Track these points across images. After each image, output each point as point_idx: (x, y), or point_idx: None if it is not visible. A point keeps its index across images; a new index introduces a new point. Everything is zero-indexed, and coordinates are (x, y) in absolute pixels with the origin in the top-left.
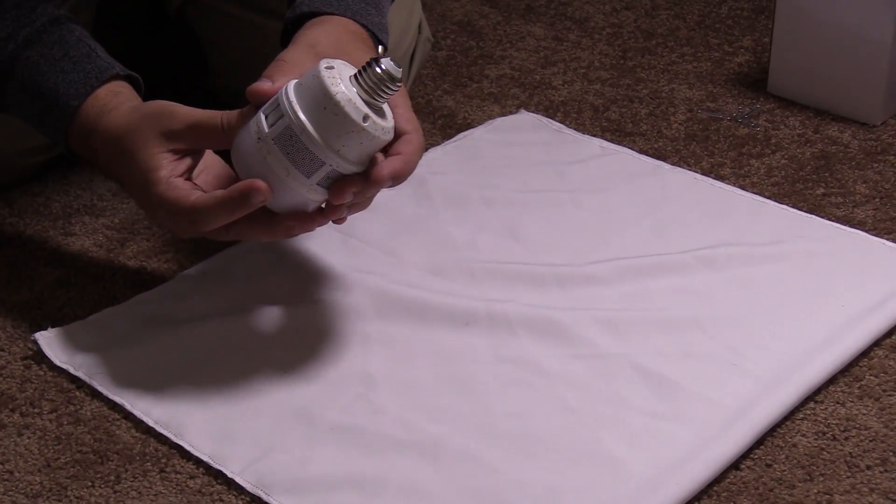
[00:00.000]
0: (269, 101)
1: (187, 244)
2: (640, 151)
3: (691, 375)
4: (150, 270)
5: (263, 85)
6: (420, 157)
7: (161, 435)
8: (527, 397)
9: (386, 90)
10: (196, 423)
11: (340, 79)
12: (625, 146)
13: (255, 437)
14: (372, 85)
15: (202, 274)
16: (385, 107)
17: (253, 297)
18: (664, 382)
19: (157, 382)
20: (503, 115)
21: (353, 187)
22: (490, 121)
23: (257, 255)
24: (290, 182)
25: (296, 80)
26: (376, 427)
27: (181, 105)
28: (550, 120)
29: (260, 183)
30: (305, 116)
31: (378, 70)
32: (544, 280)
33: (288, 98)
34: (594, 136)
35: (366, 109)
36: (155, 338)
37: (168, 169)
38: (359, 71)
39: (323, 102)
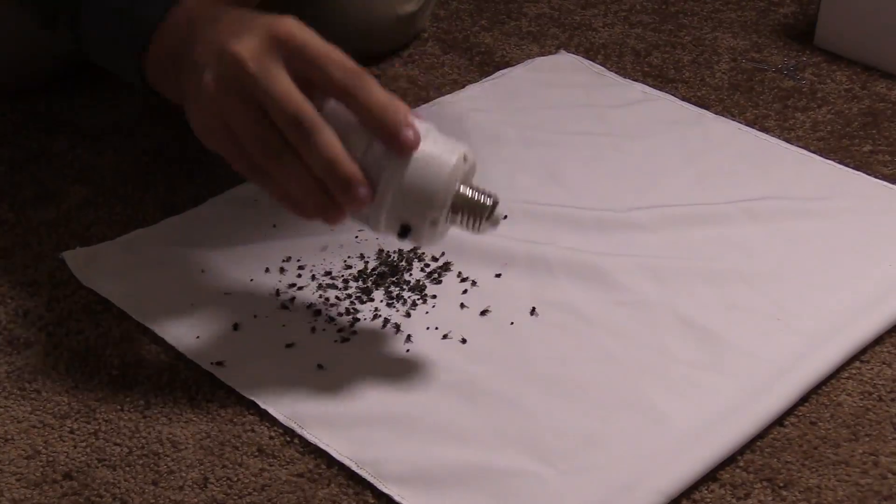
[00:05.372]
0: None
1: (219, 168)
2: (683, 99)
3: (735, 329)
4: (180, 194)
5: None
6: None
7: (191, 362)
8: (567, 342)
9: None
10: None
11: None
12: (667, 92)
13: None
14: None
15: (233, 199)
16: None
17: (286, 224)
18: (708, 334)
19: (186, 309)
20: (542, 55)
21: None
22: (529, 60)
23: None
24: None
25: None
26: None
27: None
28: (591, 62)
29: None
30: None
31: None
32: (585, 223)
33: None
34: (635, 80)
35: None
36: (185, 262)
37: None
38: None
39: None
